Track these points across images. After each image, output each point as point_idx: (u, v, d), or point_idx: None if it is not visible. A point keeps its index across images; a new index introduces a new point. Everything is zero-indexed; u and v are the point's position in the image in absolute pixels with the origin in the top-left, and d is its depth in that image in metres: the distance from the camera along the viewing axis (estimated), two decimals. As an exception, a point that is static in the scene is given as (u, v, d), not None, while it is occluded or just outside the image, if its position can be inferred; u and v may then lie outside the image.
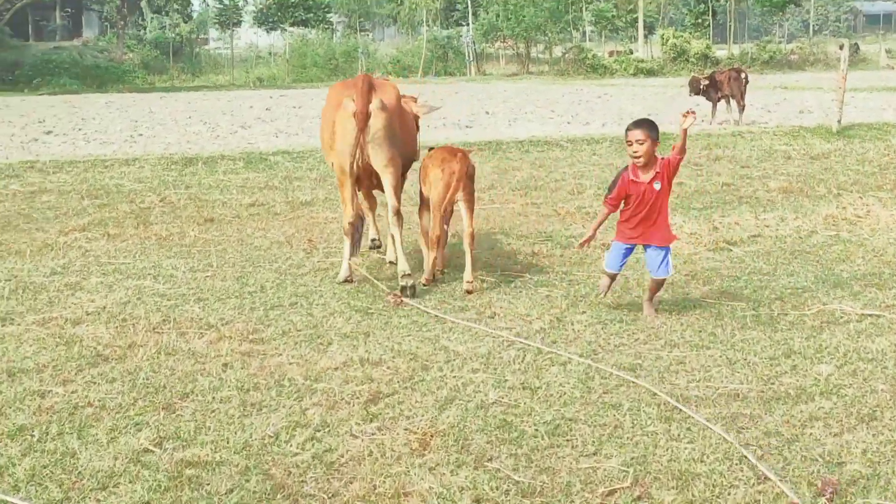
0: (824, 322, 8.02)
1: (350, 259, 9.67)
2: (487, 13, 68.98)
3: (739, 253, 10.58)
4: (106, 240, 11.81)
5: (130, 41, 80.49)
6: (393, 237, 9.60)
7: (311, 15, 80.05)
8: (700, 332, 7.80)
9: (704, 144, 20.21)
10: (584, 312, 8.42)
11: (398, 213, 9.39)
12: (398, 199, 9.39)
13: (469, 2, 72.66)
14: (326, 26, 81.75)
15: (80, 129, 26.28)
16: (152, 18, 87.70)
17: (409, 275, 9.10)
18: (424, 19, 70.46)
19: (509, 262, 10.38)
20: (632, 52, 68.17)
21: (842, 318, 8.12)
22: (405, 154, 9.74)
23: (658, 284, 8.37)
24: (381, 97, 9.13)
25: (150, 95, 45.35)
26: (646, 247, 8.29)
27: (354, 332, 7.93)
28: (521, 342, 7.59)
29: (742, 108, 24.79)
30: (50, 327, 8.12)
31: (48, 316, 8.43)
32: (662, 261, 8.17)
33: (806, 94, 35.29)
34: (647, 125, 7.96)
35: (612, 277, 8.58)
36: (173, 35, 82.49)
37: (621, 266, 8.51)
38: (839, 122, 22.15)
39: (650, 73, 59.17)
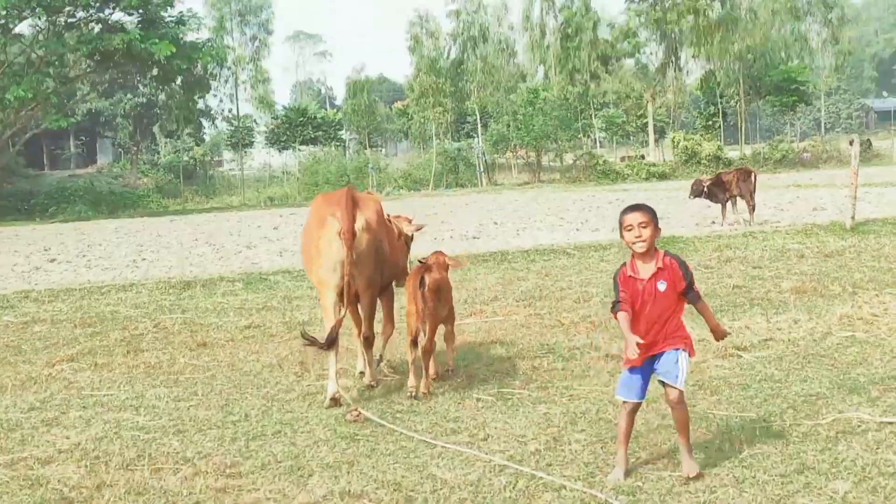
0: (840, 432, 7.47)
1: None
2: (497, 124, 69.31)
3: (750, 359, 10.06)
4: (92, 370, 11.39)
5: (144, 166, 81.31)
6: (362, 353, 10.02)
7: (322, 133, 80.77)
8: (706, 447, 7.28)
9: (715, 246, 19.77)
10: (582, 430, 7.91)
11: (367, 340, 9.69)
12: (370, 324, 9.56)
13: (478, 114, 73.12)
14: (338, 144, 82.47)
15: (83, 256, 26.12)
16: (165, 143, 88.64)
17: (372, 385, 9.64)
18: (435, 132, 70.79)
19: (508, 377, 9.88)
20: (643, 157, 68.30)
21: (859, 426, 7.57)
22: (391, 273, 9.85)
23: (681, 415, 6.80)
24: (366, 215, 9.10)
25: (161, 219, 45.57)
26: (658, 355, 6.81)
27: (338, 461, 7.43)
28: (513, 467, 7.06)
29: (752, 209, 24.42)
30: (17, 468, 7.66)
31: (17, 456, 7.97)
32: (675, 363, 6.74)
33: (819, 192, 35.00)
34: (646, 208, 6.89)
35: (633, 410, 6.96)
36: (187, 158, 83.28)
37: (642, 393, 6.96)
38: (853, 218, 21.73)
39: (662, 176, 59.17)
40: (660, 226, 6.89)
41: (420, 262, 9.44)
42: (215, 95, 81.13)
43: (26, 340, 13.73)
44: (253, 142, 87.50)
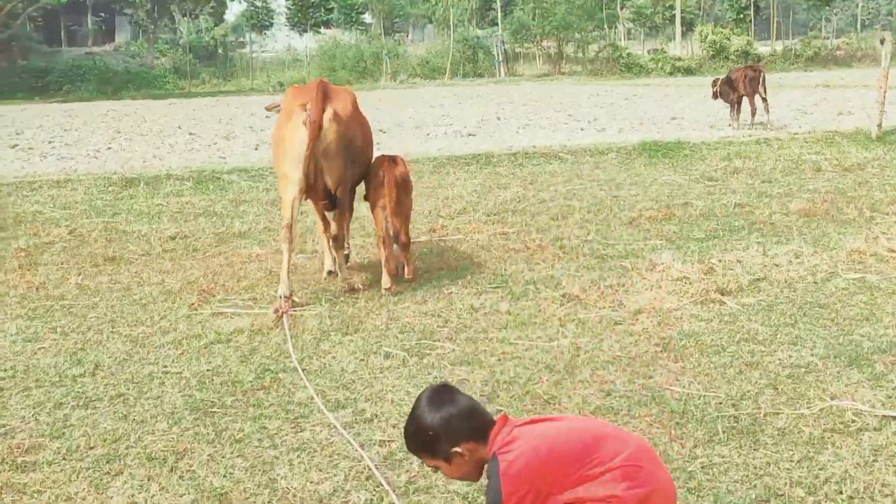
0: (828, 430, 5.63)
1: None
2: (521, 11, 66.48)
3: (733, 307, 8.20)
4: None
5: (164, 45, 79.31)
6: (326, 248, 9.69)
7: (343, 16, 78.29)
8: (653, 444, 5.49)
9: (724, 154, 17.74)
10: (499, 409, 6.12)
11: (336, 238, 9.24)
12: (340, 225, 9.20)
13: (499, 2, 70.24)
14: (360, 28, 79.96)
15: (50, 143, 24.23)
16: (186, 22, 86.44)
17: (331, 272, 9.37)
18: (454, 19, 67.86)
19: (436, 323, 8.10)
20: (664, 51, 65.53)
21: (853, 423, 5.72)
22: (363, 170, 9.46)
23: None
24: (336, 107, 8.77)
25: (160, 102, 43.51)
26: None
27: (164, 451, 5.68)
28: (379, 479, 5.28)
29: (754, 111, 22.14)
30: None
31: None
32: None
33: (849, 93, 32.58)
34: (411, 441, 4.11)
35: None
36: (207, 39, 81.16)
37: None
38: (879, 126, 19.57)
39: (688, 71, 56.55)
40: (454, 447, 3.95)
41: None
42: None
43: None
44: (272, 23, 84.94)
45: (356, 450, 5.52)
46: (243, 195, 15.06)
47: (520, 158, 17.92)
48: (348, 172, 9.01)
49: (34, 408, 6.39)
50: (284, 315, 8.30)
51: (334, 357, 7.24)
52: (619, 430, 4.20)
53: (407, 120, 27.46)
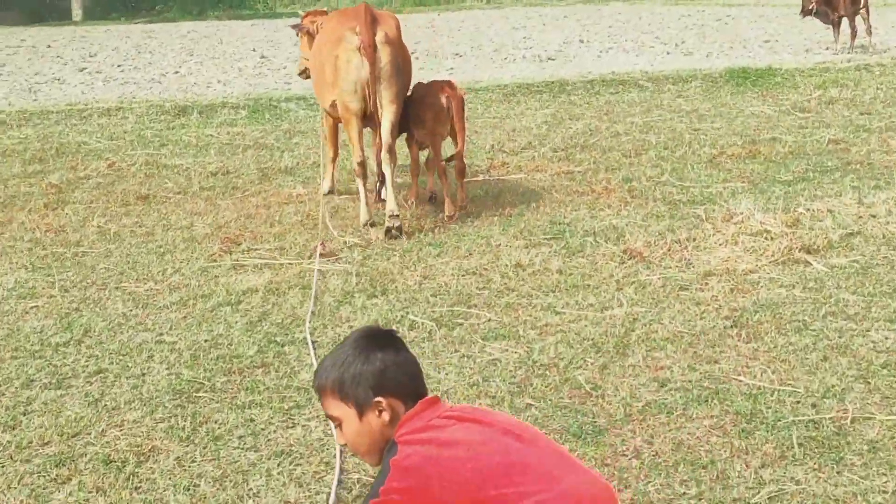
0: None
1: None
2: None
3: (819, 270, 7.09)
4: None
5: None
6: (384, 176, 8.94)
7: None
8: (693, 464, 4.49)
9: (819, 82, 16.31)
10: (531, 404, 5.14)
11: (391, 151, 8.67)
12: (395, 136, 8.74)
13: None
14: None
15: (118, 66, 23.46)
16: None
17: (396, 216, 8.40)
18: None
19: (476, 281, 7.13)
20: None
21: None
22: (406, 90, 8.94)
23: None
24: (385, 29, 8.50)
25: (241, 23, 42.42)
26: None
27: (128, 451, 4.81)
28: None
29: (854, 33, 20.30)
30: None
31: None
32: None
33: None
34: (321, 383, 3.37)
35: None
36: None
37: None
38: None
39: (786, -11, 54.07)
40: (377, 396, 3.22)
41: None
42: None
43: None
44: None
45: (343, 460, 4.58)
46: (299, 125, 14.11)
47: (596, 86, 16.69)
48: (402, 93, 8.72)
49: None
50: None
51: (351, 326, 6.29)
52: (565, 459, 3.20)
53: (487, 43, 26.22)
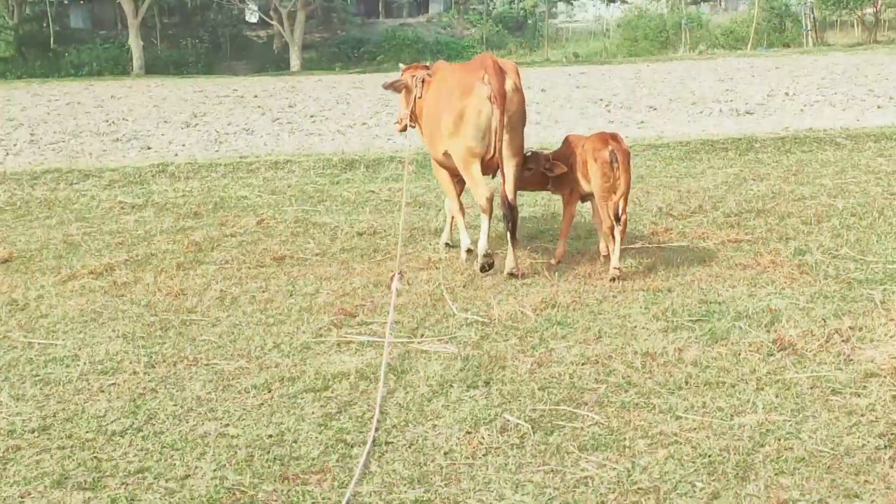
0: None
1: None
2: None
3: None
4: (94, 295, 8.70)
5: (475, 16, 79.38)
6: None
7: (652, -17, 75.68)
8: None
9: None
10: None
11: (514, 205, 8.70)
12: (516, 190, 8.77)
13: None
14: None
15: (311, 116, 23.42)
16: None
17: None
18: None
19: (593, 374, 6.27)
20: None
21: None
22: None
23: None
24: (512, 78, 8.60)
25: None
26: None
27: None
28: None
29: None
30: None
31: None
32: None
33: None
34: None
35: None
36: (518, 9, 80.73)
37: None
38: None
39: None
40: None
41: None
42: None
43: (97, 233, 11.27)
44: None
45: None
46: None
47: (788, 143, 15.53)
48: (523, 143, 8.84)
49: (27, 484, 5.00)
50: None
51: (435, 425, 5.53)
52: None
53: (687, 95, 25.16)
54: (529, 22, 79.48)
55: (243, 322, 7.70)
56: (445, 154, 8.93)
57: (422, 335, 7.22)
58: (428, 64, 10.07)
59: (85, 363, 6.78)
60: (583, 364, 6.45)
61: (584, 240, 9.96)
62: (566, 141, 9.16)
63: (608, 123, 19.72)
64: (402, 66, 10.36)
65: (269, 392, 6.15)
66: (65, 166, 15.59)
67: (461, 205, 9.53)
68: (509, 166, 8.64)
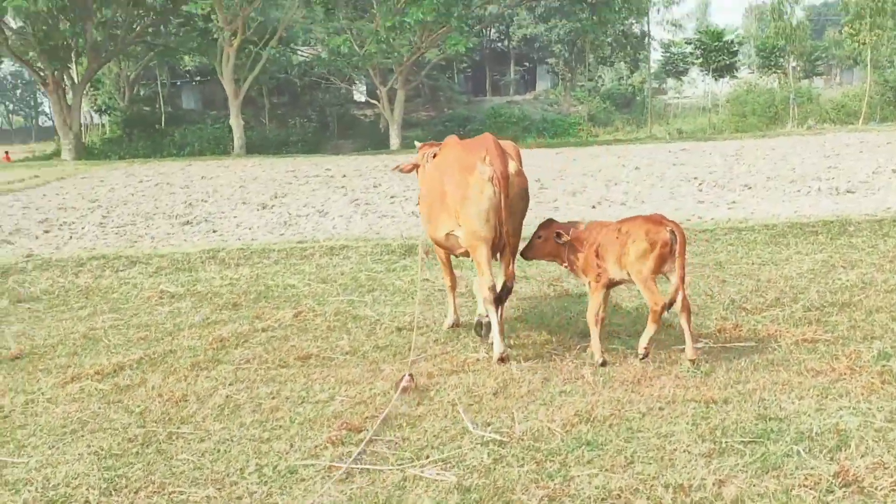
0: None
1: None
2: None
3: None
4: (89, 400, 7.98)
5: (581, 92, 79.20)
6: (489, 315, 8.54)
7: (762, 59, 74.52)
8: None
9: None
10: None
11: (508, 290, 8.59)
12: (513, 273, 8.62)
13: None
14: (777, 70, 75.59)
15: (391, 197, 22.70)
16: (607, 70, 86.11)
17: (503, 358, 8.29)
18: (875, 58, 61.93)
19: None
20: None
21: None
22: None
23: None
24: (514, 161, 8.51)
25: (548, 152, 41.30)
26: None
27: None
28: None
29: None
30: None
31: None
32: None
33: None
34: None
35: None
36: (626, 86, 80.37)
37: None
38: None
39: None
40: None
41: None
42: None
43: (124, 326, 10.60)
44: (687, 69, 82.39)
45: None
46: (529, 268, 12.46)
47: (886, 226, 14.25)
48: (521, 225, 8.73)
49: None
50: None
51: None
52: None
53: (787, 172, 23.89)
54: (637, 98, 78.82)
55: (235, 437, 6.84)
56: (447, 236, 8.74)
57: (427, 456, 6.24)
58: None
59: (36, 489, 5.97)
60: (603, 499, 5.41)
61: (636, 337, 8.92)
62: (590, 226, 8.63)
63: (698, 204, 18.65)
64: (417, 143, 10.13)
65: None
66: (114, 252, 14.98)
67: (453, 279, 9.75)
68: (510, 246, 8.50)
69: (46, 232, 18.69)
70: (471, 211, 8.30)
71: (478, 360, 8.54)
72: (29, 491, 5.92)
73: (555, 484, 5.67)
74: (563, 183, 23.65)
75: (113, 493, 5.87)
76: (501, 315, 8.59)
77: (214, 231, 17.72)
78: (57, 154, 52.30)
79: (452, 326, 9.60)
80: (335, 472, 6.06)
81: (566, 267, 8.70)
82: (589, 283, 8.43)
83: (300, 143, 56.54)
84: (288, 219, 19.12)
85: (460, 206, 8.37)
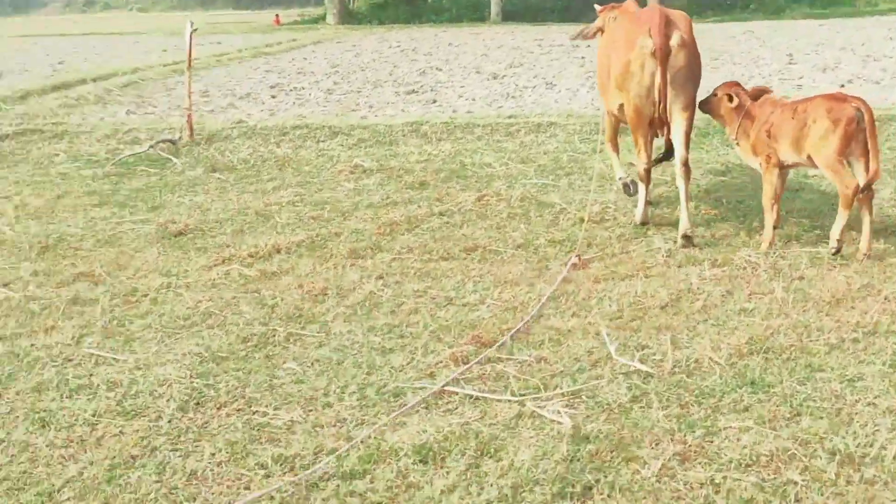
0: None
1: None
2: None
3: None
4: (225, 288, 7.35)
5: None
6: (680, 190, 8.14)
7: None
8: None
9: None
10: None
11: (687, 164, 8.08)
12: (688, 147, 8.09)
13: None
14: None
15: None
16: None
17: (688, 236, 7.92)
18: None
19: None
20: None
21: None
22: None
23: None
24: (681, 31, 7.95)
25: (811, 23, 37.83)
26: None
27: None
28: None
29: None
30: None
31: None
32: None
33: None
34: None
35: None
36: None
37: None
38: None
39: None
40: None
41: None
42: None
43: (302, 203, 10.10)
44: None
45: None
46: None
47: None
48: (695, 98, 8.18)
49: None
50: None
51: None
52: None
53: None
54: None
55: (357, 343, 6.07)
56: (620, 108, 8.44)
57: (555, 387, 5.29)
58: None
59: (116, 396, 5.33)
60: (745, 468, 4.35)
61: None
62: (763, 102, 7.94)
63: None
64: (597, 6, 9.45)
65: (282, 475, 4.46)
66: (320, 122, 14.41)
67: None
68: (678, 124, 8.01)
69: (273, 97, 18.35)
70: (633, 87, 8.02)
71: (656, 264, 7.47)
72: (107, 398, 5.30)
73: (693, 439, 4.62)
74: (817, 58, 21.54)
75: (192, 408, 5.18)
76: (687, 191, 8.13)
77: (434, 101, 16.92)
78: (323, 18, 52.51)
79: (642, 224, 8.71)
80: (445, 399, 5.20)
81: (734, 140, 8.10)
82: (760, 163, 7.80)
83: (558, 12, 54.51)
84: (513, 90, 18.09)
85: (621, 80, 8.11)
